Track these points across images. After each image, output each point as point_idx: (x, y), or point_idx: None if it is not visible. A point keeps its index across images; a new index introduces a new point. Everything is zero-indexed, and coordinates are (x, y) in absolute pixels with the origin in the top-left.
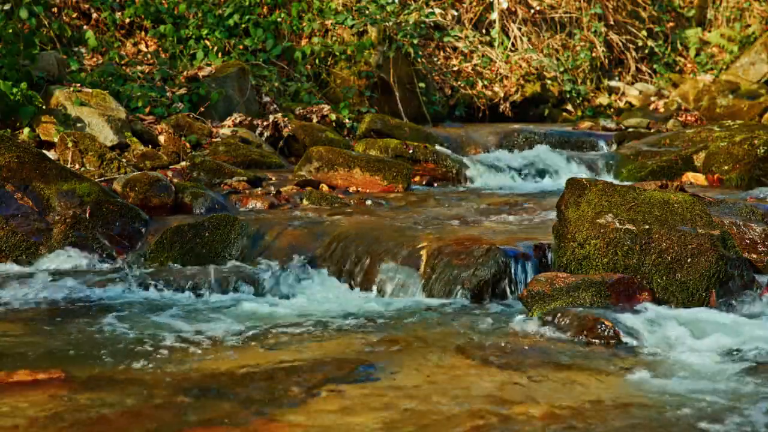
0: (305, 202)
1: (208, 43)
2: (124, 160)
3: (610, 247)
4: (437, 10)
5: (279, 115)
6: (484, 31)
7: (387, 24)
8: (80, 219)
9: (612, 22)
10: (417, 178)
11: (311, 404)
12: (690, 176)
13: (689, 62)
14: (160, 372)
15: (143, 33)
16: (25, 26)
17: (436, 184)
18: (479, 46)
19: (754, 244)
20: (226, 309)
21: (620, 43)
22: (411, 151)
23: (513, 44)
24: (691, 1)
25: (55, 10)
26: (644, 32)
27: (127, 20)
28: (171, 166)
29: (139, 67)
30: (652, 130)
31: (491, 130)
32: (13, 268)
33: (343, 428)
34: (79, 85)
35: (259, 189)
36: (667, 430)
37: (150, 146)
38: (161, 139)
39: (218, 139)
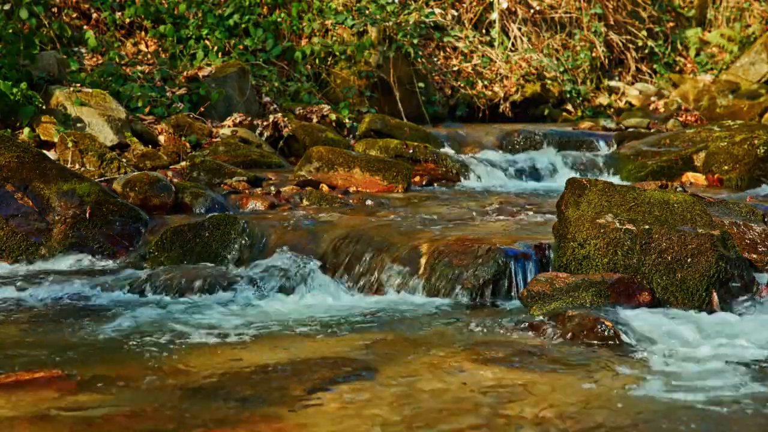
0: (305, 202)
1: (208, 43)
2: (124, 160)
3: (610, 247)
4: (437, 10)
5: (279, 115)
6: (484, 31)
7: (387, 24)
8: (80, 219)
9: (612, 22)
10: (417, 178)
11: (310, 404)
12: (690, 176)
13: (689, 62)
14: (160, 372)
15: (143, 33)
16: (25, 26)
17: (436, 184)
18: (479, 46)
19: (754, 244)
20: (225, 309)
21: (620, 43)
22: (411, 151)
23: (513, 44)
24: (691, 1)
25: (55, 10)
26: (644, 32)
27: (127, 20)
28: (171, 166)
29: (139, 67)
30: (652, 130)
31: (491, 130)
32: (13, 268)
33: (342, 428)
34: (79, 85)
35: (259, 189)
36: (667, 430)
37: (150, 146)
38: (161, 139)
39: (218, 139)
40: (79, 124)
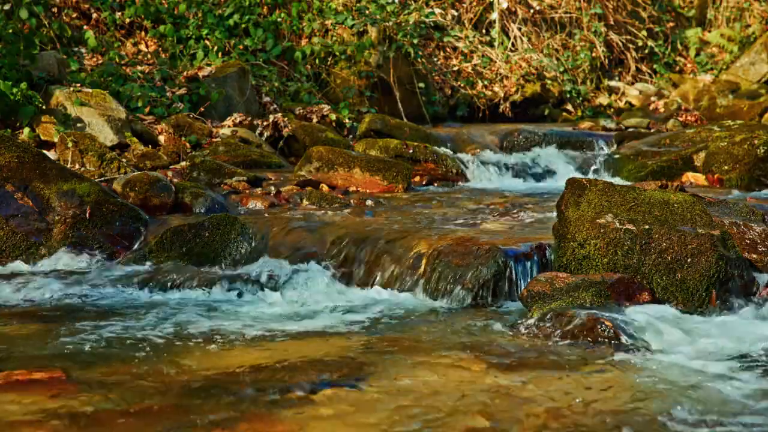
0: (305, 202)
1: (208, 43)
2: (124, 160)
3: (610, 247)
4: (437, 10)
5: (279, 115)
6: (484, 31)
7: (387, 24)
8: (80, 219)
9: (612, 22)
10: (417, 178)
11: (310, 405)
12: (690, 176)
13: (689, 62)
14: (159, 372)
15: (143, 33)
16: (25, 26)
17: (436, 184)
18: (479, 46)
19: (754, 244)
20: (225, 309)
21: (620, 43)
22: (411, 151)
23: (513, 44)
24: (691, 1)
25: (55, 10)
26: (644, 32)
27: (127, 20)
28: (171, 166)
29: (139, 67)
30: (652, 130)
31: (491, 130)
32: (13, 267)
33: (342, 429)
34: (79, 85)
35: (259, 189)
36: (667, 430)
37: (150, 146)
38: (161, 139)
39: (218, 139)
40: (79, 124)
